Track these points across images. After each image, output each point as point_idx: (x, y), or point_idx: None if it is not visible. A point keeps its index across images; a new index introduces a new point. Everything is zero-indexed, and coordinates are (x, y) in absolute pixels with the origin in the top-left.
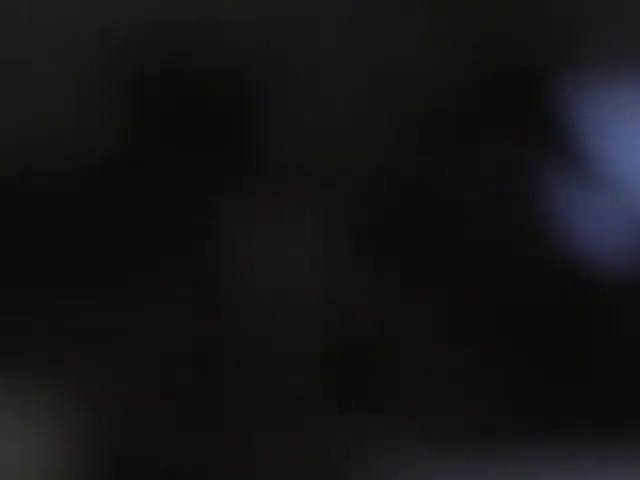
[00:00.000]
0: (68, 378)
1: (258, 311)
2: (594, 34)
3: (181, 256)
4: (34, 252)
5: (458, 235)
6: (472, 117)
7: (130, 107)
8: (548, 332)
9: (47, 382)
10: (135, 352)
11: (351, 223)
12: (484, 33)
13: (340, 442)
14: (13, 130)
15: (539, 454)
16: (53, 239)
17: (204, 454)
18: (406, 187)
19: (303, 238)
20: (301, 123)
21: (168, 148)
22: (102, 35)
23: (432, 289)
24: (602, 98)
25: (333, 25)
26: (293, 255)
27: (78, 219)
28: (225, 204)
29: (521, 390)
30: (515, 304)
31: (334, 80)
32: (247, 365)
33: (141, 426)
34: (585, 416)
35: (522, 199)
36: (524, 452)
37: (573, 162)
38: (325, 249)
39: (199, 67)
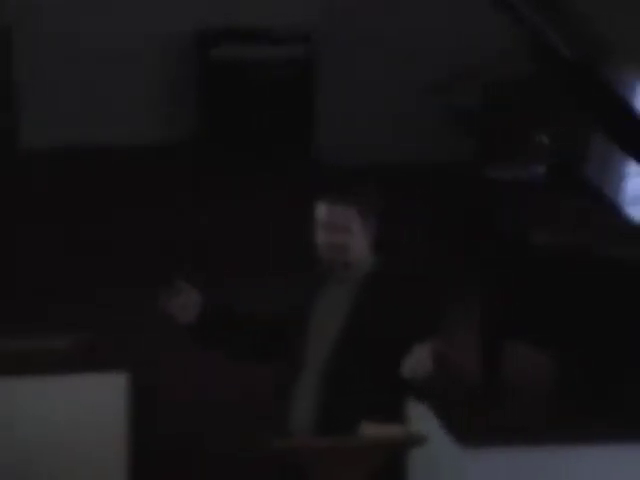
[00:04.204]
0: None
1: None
2: None
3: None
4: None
5: (519, 235)
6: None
7: (194, 98)
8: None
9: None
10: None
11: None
12: (548, 27)
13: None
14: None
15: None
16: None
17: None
18: (467, 178)
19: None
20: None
21: (233, 137)
22: (169, 29)
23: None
24: None
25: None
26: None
27: (144, 204)
28: (282, 193)
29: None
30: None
31: (394, 69)
32: None
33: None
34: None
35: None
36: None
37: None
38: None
39: (260, 58)
